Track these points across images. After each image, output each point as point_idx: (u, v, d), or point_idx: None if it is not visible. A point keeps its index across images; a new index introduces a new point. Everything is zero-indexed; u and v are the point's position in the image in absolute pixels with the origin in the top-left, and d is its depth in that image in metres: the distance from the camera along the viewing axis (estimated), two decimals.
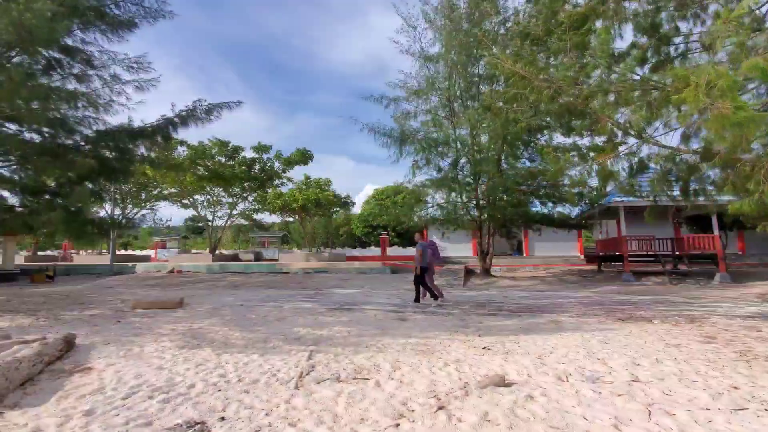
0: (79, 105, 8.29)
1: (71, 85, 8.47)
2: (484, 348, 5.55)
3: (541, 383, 4.04)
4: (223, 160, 25.45)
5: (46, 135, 8.43)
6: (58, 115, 8.24)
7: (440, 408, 3.35)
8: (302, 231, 29.18)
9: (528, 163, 14.85)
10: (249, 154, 26.46)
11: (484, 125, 13.26)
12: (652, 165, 6.98)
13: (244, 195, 26.49)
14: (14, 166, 7.84)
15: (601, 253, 16.71)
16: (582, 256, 22.36)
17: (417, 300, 9.46)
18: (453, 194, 14.96)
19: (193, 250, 33.24)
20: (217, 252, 25.26)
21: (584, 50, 6.05)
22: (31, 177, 7.91)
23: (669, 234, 17.71)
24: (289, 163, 26.43)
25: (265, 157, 26.34)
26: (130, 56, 10.07)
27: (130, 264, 20.95)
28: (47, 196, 9.64)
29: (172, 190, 24.15)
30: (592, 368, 4.59)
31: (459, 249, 24.15)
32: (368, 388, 3.96)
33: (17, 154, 7.62)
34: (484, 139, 14.14)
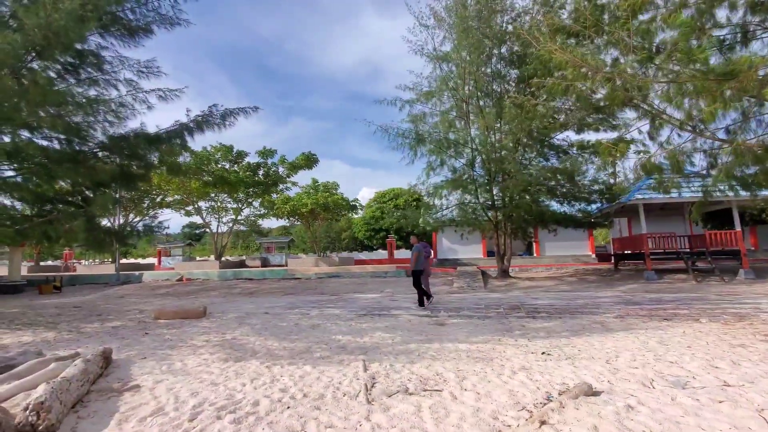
0: (99, 111, 7.99)
1: (81, 90, 8.17)
2: (543, 353, 5.30)
3: (629, 391, 3.80)
4: (227, 165, 25.14)
5: (63, 142, 8.12)
6: (78, 121, 7.93)
7: (543, 423, 3.09)
8: (309, 235, 28.81)
9: (543, 162, 14.66)
10: (253, 159, 26.19)
11: (504, 123, 13.04)
12: (698, 158, 6.78)
13: (249, 200, 26.15)
14: (27, 174, 7.51)
15: (618, 252, 16.54)
16: (593, 255, 22.21)
17: (421, 303, 9.32)
18: (469, 195, 14.73)
19: (198, 258, 32.77)
20: (223, 258, 24.86)
21: (650, 38, 5.85)
22: (48, 185, 7.58)
23: (681, 231, 17.64)
24: (294, 167, 26.15)
25: (269, 161, 26.05)
26: (140, 61, 9.80)
27: (136, 273, 20.53)
28: (60, 205, 9.33)
29: (176, 197, 23.78)
30: (671, 372, 4.36)
31: (469, 250, 23.93)
32: (446, 401, 3.69)
33: (35, 161, 7.31)
34: (496, 137, 13.88)
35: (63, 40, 6.10)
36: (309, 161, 25.60)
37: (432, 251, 10.09)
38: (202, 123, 10.54)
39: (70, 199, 9.85)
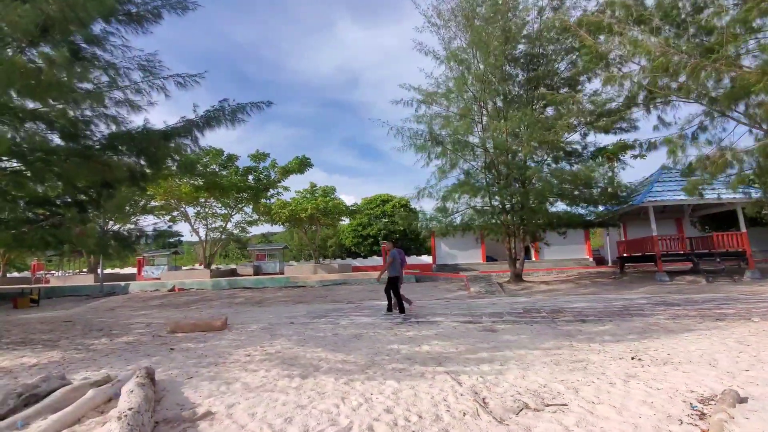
0: (111, 101, 7.18)
1: (94, 76, 7.32)
2: (633, 358, 4.96)
3: None
4: (216, 168, 24.04)
5: (67, 135, 7.22)
6: (87, 113, 7.09)
7: None
8: (306, 241, 27.88)
9: (562, 166, 14.57)
10: (243, 162, 25.19)
11: (523, 126, 12.88)
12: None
13: (240, 206, 25.04)
14: (33, 171, 6.57)
15: (623, 255, 16.70)
16: (591, 259, 22.45)
17: (390, 310, 9.08)
18: (484, 198, 14.45)
19: (184, 267, 31.05)
20: (213, 267, 23.56)
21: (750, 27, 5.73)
22: (53, 184, 6.66)
23: (674, 233, 18.04)
24: (286, 171, 25.29)
25: (261, 166, 25.09)
26: (142, 52, 9.00)
27: (122, 284, 19.08)
28: (52, 208, 8.33)
29: (161, 201, 22.45)
30: None
31: (468, 255, 23.71)
32: (588, 417, 3.24)
33: (38, 156, 6.40)
34: (514, 140, 13.71)
35: (81, 15, 5.35)
36: (302, 165, 24.81)
37: (406, 258, 9.86)
38: (211, 119, 9.81)
39: (67, 200, 8.84)
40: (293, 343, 6.54)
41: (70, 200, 7.64)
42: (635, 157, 19.11)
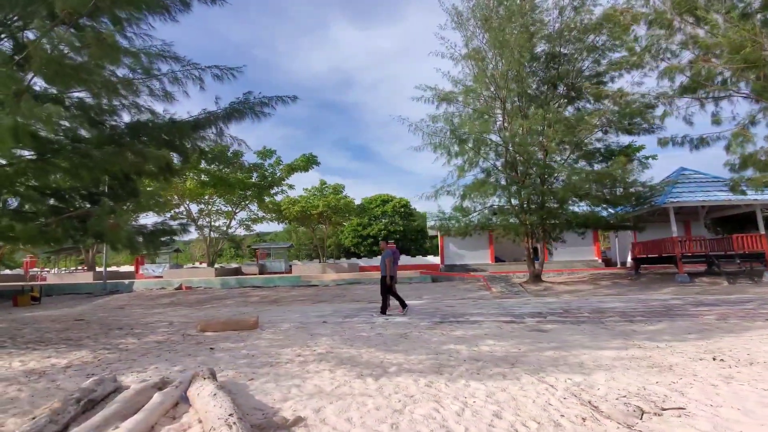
0: (146, 89, 6.77)
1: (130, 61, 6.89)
2: (715, 359, 4.74)
3: None
4: (219, 165, 23.49)
5: (94, 122, 6.78)
6: (114, 102, 6.67)
7: None
8: (314, 240, 27.42)
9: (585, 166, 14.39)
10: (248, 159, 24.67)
11: (547, 126, 12.70)
12: None
13: (245, 203, 24.50)
14: (63, 160, 6.11)
15: (639, 256, 16.65)
16: (600, 261, 22.42)
17: (383, 311, 8.89)
18: (503, 198, 14.25)
19: (185, 265, 30.28)
20: (217, 266, 22.96)
21: None
22: (86, 173, 6.19)
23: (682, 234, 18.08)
24: (292, 169, 24.84)
25: (266, 163, 24.61)
26: (158, 42, 8.56)
27: (125, 282, 18.43)
28: (57, 201, 7.86)
29: (166, 198, 21.78)
30: None
31: (476, 256, 23.50)
32: (719, 420, 2.99)
33: (66, 143, 5.97)
34: (538, 139, 13.51)
35: None
36: (308, 163, 24.39)
37: (400, 257, 9.72)
38: (237, 111, 9.42)
39: (83, 193, 8.37)
40: (339, 342, 6.21)
41: (93, 192, 7.19)
42: (647, 158, 19.13)
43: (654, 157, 12.99)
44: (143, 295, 16.20)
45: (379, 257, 9.37)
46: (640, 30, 9.76)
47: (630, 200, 13.88)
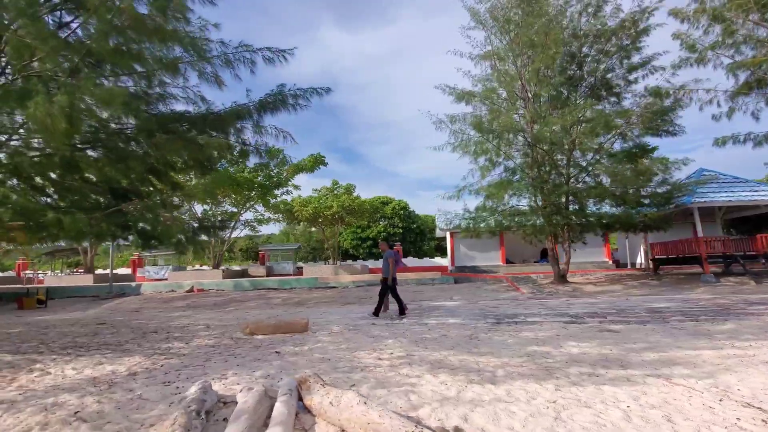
0: (195, 73, 6.33)
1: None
2: None
3: None
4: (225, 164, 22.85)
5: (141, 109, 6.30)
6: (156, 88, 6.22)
7: None
8: (325, 241, 26.88)
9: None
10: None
11: (579, 123, 12.59)
12: None
13: (250, 203, 23.85)
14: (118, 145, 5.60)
15: (659, 256, 16.66)
16: (610, 262, 22.47)
17: (376, 314, 8.70)
18: (529, 197, 14.08)
19: (189, 267, 29.30)
20: (223, 267, 22.23)
21: None
22: (138, 162, 5.70)
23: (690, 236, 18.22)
24: (299, 169, 24.32)
25: (272, 163, 24.02)
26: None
27: (132, 284, 17.63)
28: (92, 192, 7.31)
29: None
30: None
31: (487, 257, 23.31)
32: None
33: (117, 130, 5.48)
34: (569, 138, 13.35)
35: None
36: (315, 163, 23.91)
37: (401, 259, 9.63)
38: (271, 103, 9.00)
39: (114, 187, 7.81)
40: (409, 344, 5.85)
41: (115, 187, 6.64)
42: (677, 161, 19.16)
43: (686, 162, 12.93)
44: (153, 297, 15.49)
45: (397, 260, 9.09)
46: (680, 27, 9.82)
47: (661, 200, 13.84)
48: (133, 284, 17.56)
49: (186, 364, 5.10)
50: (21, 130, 5.54)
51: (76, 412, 3.36)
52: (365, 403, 2.81)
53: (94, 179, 6.16)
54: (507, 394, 3.60)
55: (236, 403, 3.50)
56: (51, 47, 4.08)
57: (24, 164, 4.95)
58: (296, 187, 25.13)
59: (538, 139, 12.89)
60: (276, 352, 5.61)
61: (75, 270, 27.67)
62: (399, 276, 18.23)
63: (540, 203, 14.00)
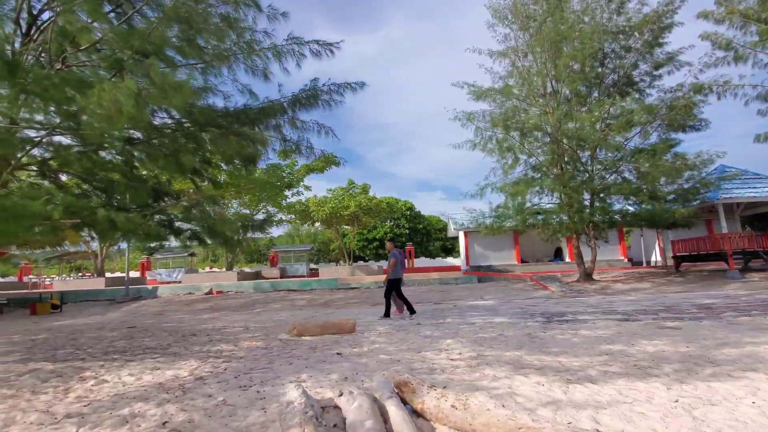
0: (242, 66, 6.10)
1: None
2: None
3: None
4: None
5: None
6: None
7: None
8: (340, 243, 26.61)
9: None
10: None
11: (618, 118, 12.43)
12: None
13: (262, 204, 23.56)
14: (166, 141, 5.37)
15: (680, 253, 16.51)
16: (626, 260, 22.33)
17: (412, 311, 8.57)
18: (553, 195, 13.92)
19: (200, 270, 28.95)
20: (237, 269, 21.93)
21: None
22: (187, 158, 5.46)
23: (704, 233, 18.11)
24: (311, 169, 24.06)
25: (283, 163, 23.76)
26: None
27: (149, 287, 17.33)
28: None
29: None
30: None
31: (502, 257, 23.12)
32: None
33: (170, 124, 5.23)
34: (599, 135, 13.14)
35: None
36: (327, 163, 23.63)
37: (405, 259, 9.47)
38: (306, 98, 8.77)
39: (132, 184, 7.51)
40: (471, 344, 5.64)
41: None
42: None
43: (721, 155, 12.79)
44: (173, 300, 15.20)
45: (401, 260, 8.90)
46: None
47: (686, 196, 13.69)
48: (150, 287, 17.27)
49: (250, 366, 4.86)
50: (62, 123, 5.32)
51: (164, 422, 3.12)
52: (503, 405, 2.58)
53: (137, 177, 5.93)
54: (619, 393, 3.39)
55: (335, 407, 3.28)
56: (115, 34, 3.85)
57: (71, 159, 4.71)
58: (307, 188, 24.91)
59: (567, 136, 12.71)
60: (337, 353, 5.38)
61: (83, 274, 27.25)
62: (421, 276, 18.18)
63: (564, 200, 13.81)
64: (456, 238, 51.33)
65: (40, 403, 3.77)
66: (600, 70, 14.30)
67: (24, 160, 5.05)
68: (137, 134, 5.63)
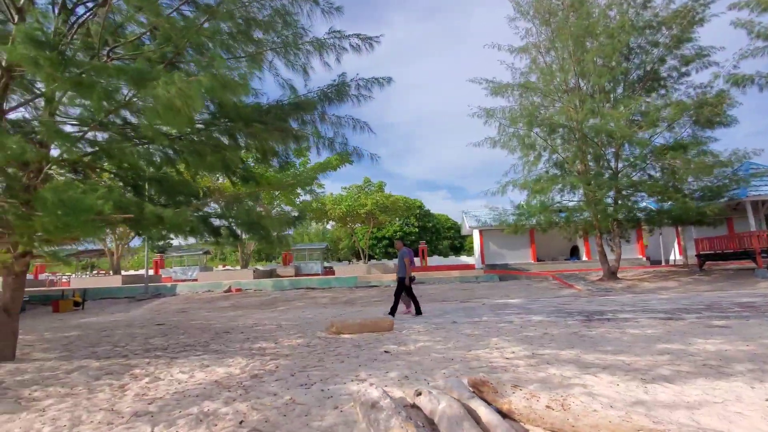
0: (282, 60, 6.01)
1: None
2: None
3: None
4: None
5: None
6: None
7: None
8: (353, 241, 26.50)
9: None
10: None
11: (649, 115, 12.22)
12: None
13: (277, 202, 23.51)
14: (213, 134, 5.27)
15: (705, 252, 16.24)
16: (644, 259, 22.05)
17: (418, 311, 8.50)
18: (587, 191, 13.65)
19: (215, 268, 28.99)
20: (253, 267, 21.90)
21: None
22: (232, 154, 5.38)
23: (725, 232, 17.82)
24: (324, 167, 23.94)
25: (297, 161, 23.69)
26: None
27: (168, 284, 17.36)
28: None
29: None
30: None
31: (517, 255, 22.92)
32: None
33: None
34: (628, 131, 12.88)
35: None
36: (341, 161, 23.53)
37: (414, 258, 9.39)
38: (337, 94, 8.65)
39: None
40: (522, 343, 5.51)
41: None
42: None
43: (758, 152, 12.52)
44: (193, 298, 15.19)
45: (415, 258, 8.85)
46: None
47: (714, 193, 13.44)
48: (168, 285, 17.28)
49: (302, 364, 4.77)
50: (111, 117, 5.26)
51: (241, 422, 3.03)
52: (611, 406, 2.46)
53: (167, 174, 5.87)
54: (704, 393, 3.27)
55: (413, 407, 3.17)
56: (171, 25, 3.76)
57: (125, 152, 4.64)
58: (320, 186, 24.85)
59: (596, 131, 12.50)
60: (385, 351, 5.28)
61: (97, 272, 27.38)
62: (441, 275, 18.07)
63: (589, 197, 13.59)
64: (465, 237, 51.19)
65: (101, 402, 3.70)
66: (624, 65, 14.07)
67: (67, 156, 4.98)
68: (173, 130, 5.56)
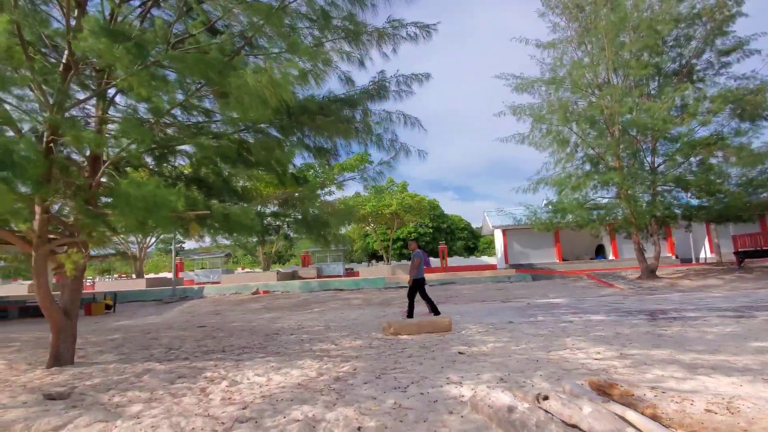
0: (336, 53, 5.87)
1: None
2: None
3: None
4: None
5: None
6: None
7: None
8: (366, 242, 26.37)
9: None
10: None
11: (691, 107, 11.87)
12: None
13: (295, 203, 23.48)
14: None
15: (744, 249, 15.78)
16: (674, 258, 21.56)
17: (436, 312, 8.13)
18: (626, 188, 13.27)
19: (235, 270, 29.03)
20: (274, 270, 21.83)
21: None
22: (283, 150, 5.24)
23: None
24: (343, 168, 23.84)
25: (316, 162, 23.61)
26: None
27: (195, 287, 17.34)
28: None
29: None
30: None
31: (542, 254, 22.57)
32: None
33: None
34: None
35: None
36: (361, 162, 23.39)
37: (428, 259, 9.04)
38: (379, 90, 8.46)
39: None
40: (599, 343, 5.26)
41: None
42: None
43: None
44: (222, 300, 15.10)
45: (436, 258, 8.58)
46: None
47: (754, 187, 13.01)
48: (195, 287, 17.24)
49: (380, 366, 4.57)
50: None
51: (359, 428, 2.83)
52: (727, 409, 2.22)
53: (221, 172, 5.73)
54: None
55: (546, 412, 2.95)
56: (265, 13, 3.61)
57: (206, 146, 4.49)
58: (340, 187, 24.72)
59: (637, 125, 12.17)
60: (459, 352, 5.06)
61: (119, 275, 27.52)
62: (470, 275, 17.75)
63: (625, 194, 13.23)
64: (479, 238, 50.68)
65: (191, 407, 3.53)
66: (660, 58, 13.72)
67: (132, 151, 4.84)
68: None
